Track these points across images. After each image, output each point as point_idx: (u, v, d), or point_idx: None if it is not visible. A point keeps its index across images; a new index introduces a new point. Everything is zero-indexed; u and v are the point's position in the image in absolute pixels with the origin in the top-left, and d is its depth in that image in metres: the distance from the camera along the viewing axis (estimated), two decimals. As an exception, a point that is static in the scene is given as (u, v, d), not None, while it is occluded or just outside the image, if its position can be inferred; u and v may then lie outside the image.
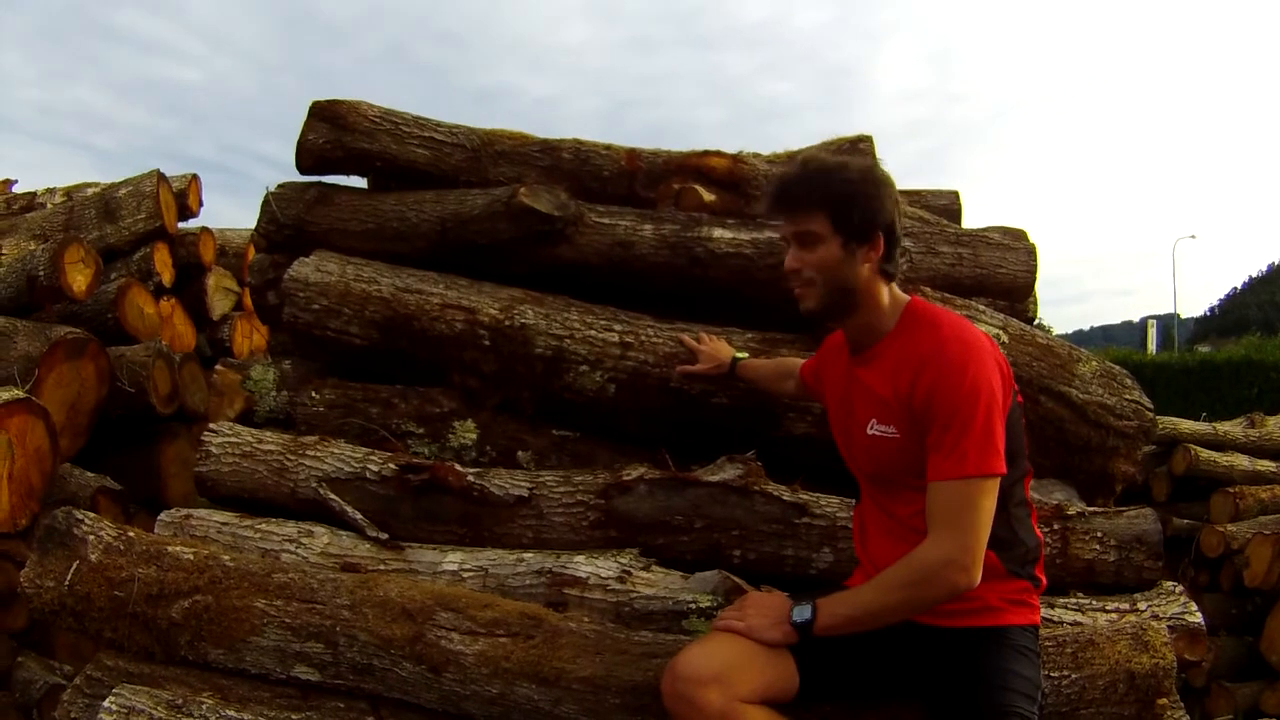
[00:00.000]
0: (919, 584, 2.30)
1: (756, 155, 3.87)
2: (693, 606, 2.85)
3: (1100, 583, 3.28)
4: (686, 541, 3.10)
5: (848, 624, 2.37)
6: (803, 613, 2.39)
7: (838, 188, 2.49)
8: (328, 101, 3.93)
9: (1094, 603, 3.16)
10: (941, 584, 2.29)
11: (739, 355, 3.33)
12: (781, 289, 3.43)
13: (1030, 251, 3.95)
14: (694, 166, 3.79)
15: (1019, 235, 3.98)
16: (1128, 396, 3.50)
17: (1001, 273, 3.86)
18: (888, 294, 2.57)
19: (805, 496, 3.14)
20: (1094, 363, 3.53)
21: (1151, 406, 3.55)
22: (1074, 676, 2.73)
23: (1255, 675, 6.40)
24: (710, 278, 3.52)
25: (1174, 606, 3.26)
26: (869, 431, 2.54)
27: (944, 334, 2.43)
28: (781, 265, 3.41)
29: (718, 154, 3.80)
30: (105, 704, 2.74)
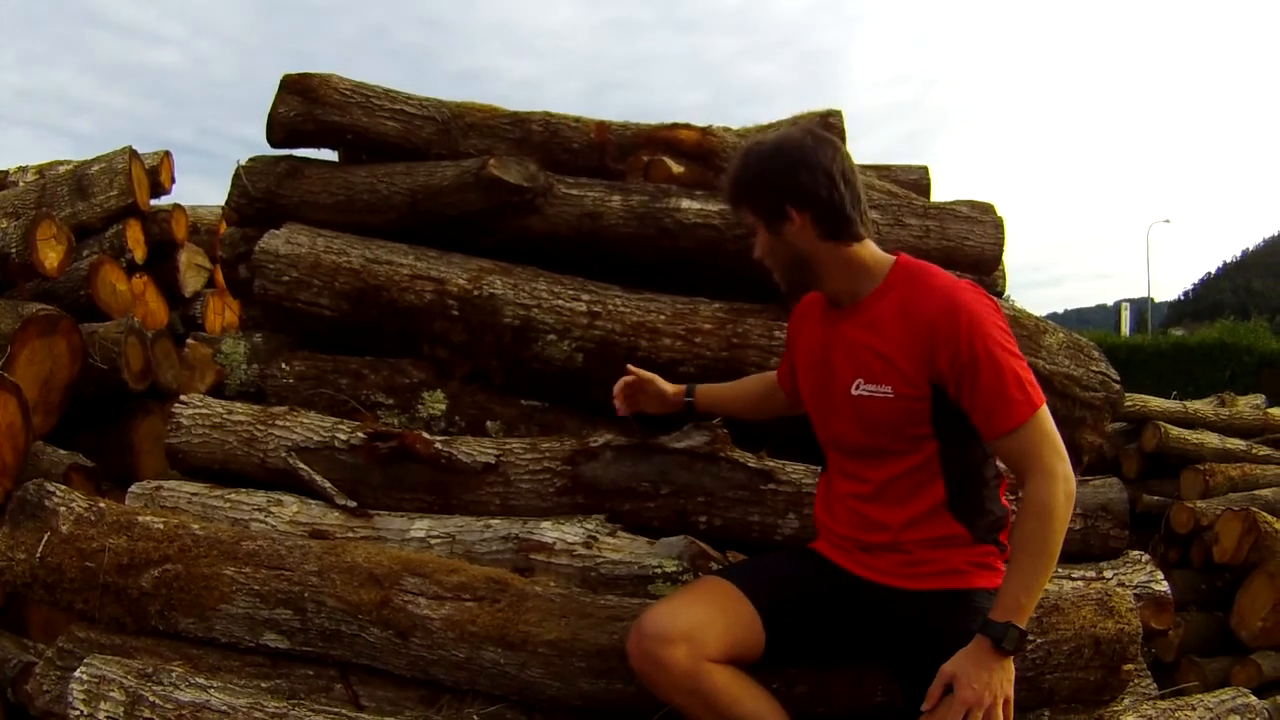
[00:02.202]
0: (1057, 522, 2.30)
1: (726, 129, 3.88)
2: (658, 571, 2.87)
3: (1067, 551, 3.30)
4: (653, 508, 3.12)
5: (1032, 606, 2.33)
6: (1013, 641, 2.26)
7: (744, 175, 2.57)
8: (299, 75, 3.91)
9: (1060, 570, 3.18)
10: (1068, 508, 2.32)
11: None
12: (750, 259, 3.47)
13: (998, 224, 3.95)
14: (663, 139, 3.80)
15: (987, 208, 3.98)
16: (1094, 368, 3.51)
17: (969, 245, 3.87)
18: (861, 254, 2.53)
19: (771, 463, 3.16)
20: (1060, 334, 3.54)
21: (1118, 378, 3.57)
22: (1039, 641, 2.75)
23: (1225, 650, 6.45)
24: (679, 248, 3.53)
25: (1140, 575, 3.30)
26: (854, 392, 2.51)
27: (951, 289, 2.44)
28: (750, 236, 3.43)
29: (687, 127, 3.80)
30: (76, 674, 2.74)
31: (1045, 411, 2.37)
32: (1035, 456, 2.33)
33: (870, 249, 2.55)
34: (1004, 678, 2.26)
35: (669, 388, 3.07)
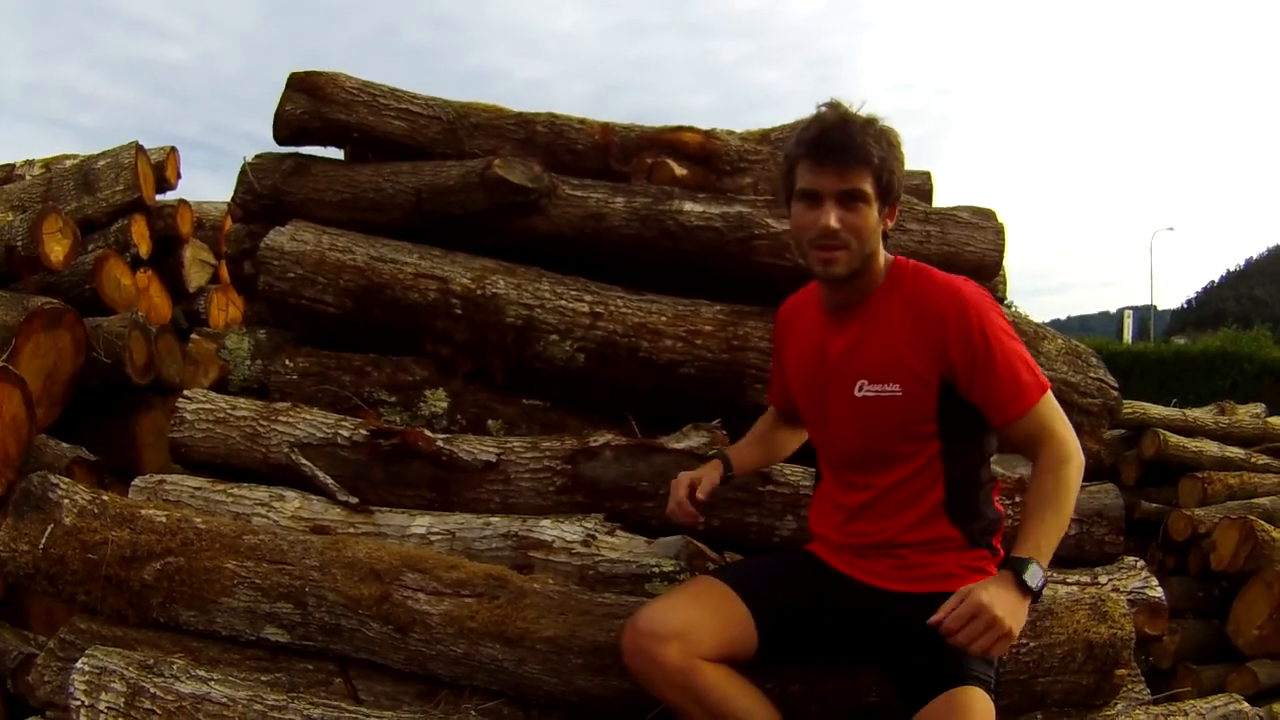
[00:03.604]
0: (1071, 479, 2.36)
1: (729, 132, 3.88)
2: (656, 570, 2.89)
3: (1061, 555, 3.31)
4: (651, 507, 3.13)
5: (1049, 555, 2.32)
6: (1035, 577, 2.23)
7: (884, 148, 2.40)
8: (306, 73, 3.93)
9: (1054, 574, 3.17)
10: (1079, 474, 2.39)
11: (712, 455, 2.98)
12: (753, 263, 3.47)
13: (998, 230, 3.94)
14: (667, 142, 3.80)
15: (988, 214, 3.98)
16: (1092, 375, 3.52)
17: (970, 251, 3.87)
18: (882, 255, 2.54)
19: (770, 465, 3.16)
20: (1059, 341, 3.55)
21: (1116, 385, 3.58)
22: (1032, 645, 2.76)
23: (1221, 658, 6.47)
24: (681, 251, 3.54)
25: (1134, 580, 3.31)
26: (858, 394, 2.51)
27: (954, 283, 2.48)
28: (751, 239, 3.42)
29: (690, 130, 3.81)
30: (77, 665, 2.75)
31: (1051, 392, 2.43)
32: (1049, 430, 2.39)
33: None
34: (1018, 609, 2.20)
35: (710, 474, 2.84)
